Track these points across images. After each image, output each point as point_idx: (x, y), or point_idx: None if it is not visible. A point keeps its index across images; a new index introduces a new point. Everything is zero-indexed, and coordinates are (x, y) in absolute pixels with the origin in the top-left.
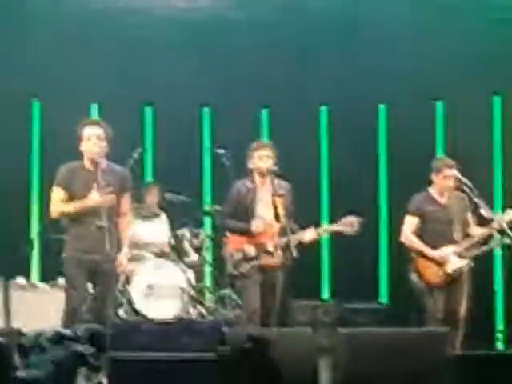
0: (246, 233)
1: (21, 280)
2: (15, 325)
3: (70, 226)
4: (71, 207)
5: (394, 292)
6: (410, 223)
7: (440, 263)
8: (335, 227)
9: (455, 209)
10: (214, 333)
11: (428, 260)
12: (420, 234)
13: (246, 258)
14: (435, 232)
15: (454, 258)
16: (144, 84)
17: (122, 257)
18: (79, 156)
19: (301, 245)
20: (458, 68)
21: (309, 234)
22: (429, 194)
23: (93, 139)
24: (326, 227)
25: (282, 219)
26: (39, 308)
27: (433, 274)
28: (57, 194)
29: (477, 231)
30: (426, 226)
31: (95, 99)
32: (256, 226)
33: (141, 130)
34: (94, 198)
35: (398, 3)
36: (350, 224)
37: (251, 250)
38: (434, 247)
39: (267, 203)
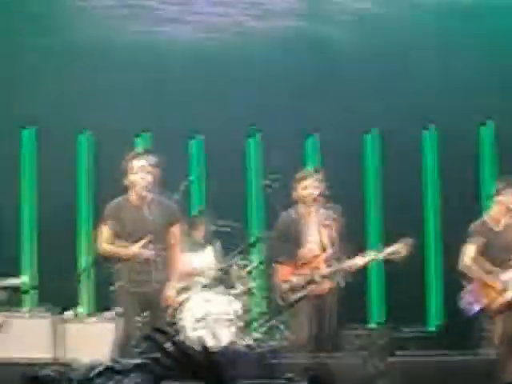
0: (294, 263)
1: (70, 313)
2: (66, 357)
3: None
4: (114, 251)
5: (444, 317)
6: (471, 248)
7: (500, 290)
8: (385, 253)
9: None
10: (261, 364)
11: (487, 287)
12: (478, 261)
13: (294, 289)
14: (493, 259)
15: None
16: (190, 113)
17: (170, 290)
18: (126, 188)
19: (350, 271)
20: None
21: (356, 263)
22: (485, 222)
23: (140, 172)
24: (374, 255)
25: (329, 248)
26: (88, 341)
27: (492, 300)
28: (104, 232)
29: None
30: (486, 251)
31: (143, 129)
32: (303, 256)
33: (188, 161)
34: (135, 249)
35: None
36: (399, 250)
37: (299, 280)
38: (492, 275)
39: (314, 232)
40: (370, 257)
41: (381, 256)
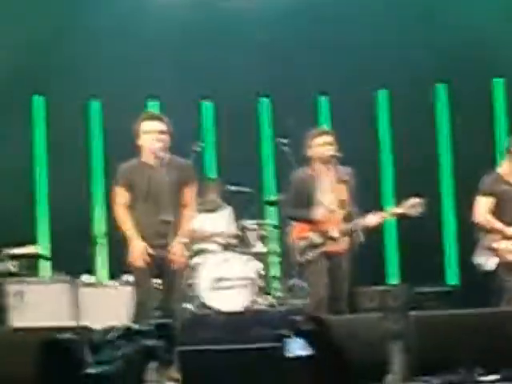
0: (310, 221)
1: (87, 277)
2: (84, 322)
3: (135, 221)
4: (125, 225)
5: (462, 273)
6: (484, 203)
7: None
8: (399, 210)
9: None
10: (284, 323)
11: (505, 238)
12: (493, 213)
13: (312, 246)
14: (505, 213)
15: None
16: (201, 78)
17: (177, 246)
18: (138, 151)
19: (366, 230)
20: None
21: (373, 219)
22: (498, 175)
23: (153, 133)
24: (390, 210)
25: (346, 205)
26: (107, 305)
27: (509, 251)
28: (120, 195)
29: None
30: (498, 206)
31: (154, 95)
32: (320, 213)
33: (200, 124)
34: (137, 245)
35: None
36: (413, 206)
37: (316, 238)
38: (508, 226)
39: (329, 190)
40: (386, 214)
41: (396, 212)
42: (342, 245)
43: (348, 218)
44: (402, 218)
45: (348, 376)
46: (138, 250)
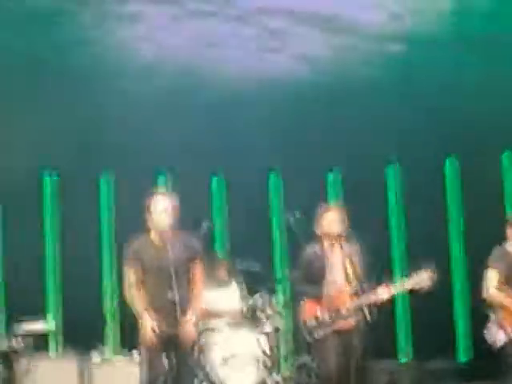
0: (320, 298)
1: (96, 356)
2: None
3: (146, 299)
4: (136, 304)
5: (474, 348)
6: (492, 278)
7: None
8: (407, 284)
9: None
10: None
11: None
12: (502, 288)
13: (320, 324)
14: None
15: None
16: (210, 153)
17: (187, 323)
18: (147, 228)
19: (375, 305)
20: None
21: (382, 294)
22: (505, 248)
23: (162, 212)
24: (399, 284)
25: (354, 282)
26: (117, 382)
27: None
28: (130, 273)
29: None
30: (509, 279)
31: (163, 170)
32: (330, 290)
33: (209, 200)
34: (149, 326)
35: None
36: (421, 280)
37: (325, 316)
38: None
39: (338, 267)
40: (395, 288)
41: (405, 287)
42: (352, 322)
43: (356, 295)
44: (413, 293)
45: None
46: (150, 330)
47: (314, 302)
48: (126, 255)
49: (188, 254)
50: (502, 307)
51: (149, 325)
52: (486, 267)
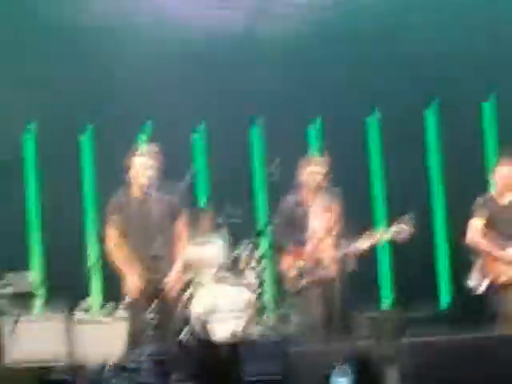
0: (300, 247)
1: (81, 314)
2: (79, 359)
3: (129, 254)
4: (119, 260)
5: (455, 298)
6: (476, 225)
7: (509, 263)
8: (386, 235)
9: None
10: (277, 351)
11: (497, 261)
12: (485, 235)
13: (303, 273)
14: (499, 233)
15: None
16: (196, 103)
17: (172, 277)
18: (129, 184)
19: (356, 255)
20: None
21: (362, 244)
22: (491, 196)
23: (143, 168)
24: (378, 235)
25: (334, 232)
26: (101, 340)
27: (502, 274)
28: (111, 229)
29: None
30: (490, 228)
31: (149, 117)
32: (311, 239)
33: (192, 151)
34: (131, 279)
35: None
36: (401, 230)
37: (306, 266)
38: (500, 248)
39: (318, 217)
40: (376, 237)
41: (385, 236)
42: (333, 271)
43: (336, 245)
44: (394, 241)
45: None
46: (133, 284)
47: (296, 252)
48: (107, 210)
49: (171, 210)
50: (485, 254)
51: (130, 280)
52: (471, 215)
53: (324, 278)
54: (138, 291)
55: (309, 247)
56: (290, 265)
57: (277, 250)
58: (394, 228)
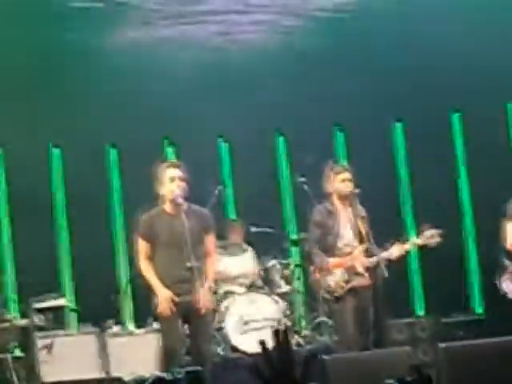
0: (333, 256)
1: (115, 328)
2: (115, 373)
3: (159, 269)
4: (148, 277)
5: (488, 302)
6: (510, 228)
7: None
8: (418, 241)
9: None
10: (313, 361)
11: None
12: None
13: (338, 282)
14: None
15: None
16: (217, 119)
17: (205, 292)
18: (158, 200)
19: (388, 262)
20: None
21: (395, 251)
22: None
23: (175, 181)
24: (410, 242)
25: (366, 240)
26: (136, 354)
27: None
28: (141, 245)
29: None
30: None
31: (170, 139)
32: (344, 248)
33: (218, 167)
34: (162, 296)
35: None
36: (431, 236)
37: (342, 274)
38: None
39: (350, 225)
40: (406, 245)
41: (416, 243)
42: (367, 279)
43: (368, 253)
44: (422, 249)
45: None
46: (164, 300)
47: (331, 260)
48: (138, 227)
49: (202, 226)
50: None
51: (163, 294)
52: (504, 220)
53: (358, 286)
54: (169, 305)
55: (342, 255)
56: (324, 274)
57: (310, 259)
58: (424, 234)
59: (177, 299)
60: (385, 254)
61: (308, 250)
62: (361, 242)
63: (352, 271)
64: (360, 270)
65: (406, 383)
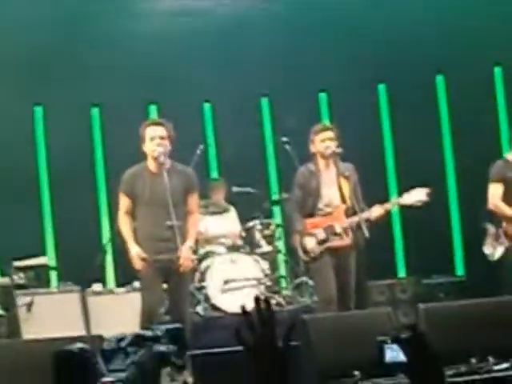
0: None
1: (97, 287)
2: (96, 331)
3: (141, 227)
4: (123, 232)
5: (469, 263)
6: (495, 190)
7: None
8: (402, 201)
9: None
10: (294, 321)
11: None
12: (504, 199)
13: (317, 242)
14: None
15: None
16: (200, 80)
17: (186, 251)
18: (142, 158)
19: (370, 223)
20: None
21: (375, 211)
22: (508, 160)
23: (156, 139)
24: (394, 201)
25: (348, 200)
26: (117, 312)
27: None
28: (122, 201)
29: None
30: (508, 192)
31: (153, 100)
32: (326, 207)
33: (202, 127)
34: (135, 251)
35: None
36: (416, 196)
37: (320, 234)
38: None
39: (332, 185)
40: (390, 204)
41: (401, 202)
42: (348, 240)
43: (351, 213)
44: (407, 208)
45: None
46: (135, 255)
47: (310, 221)
48: (120, 182)
49: (184, 185)
50: (503, 218)
51: (133, 250)
52: (489, 181)
53: (337, 246)
54: (140, 261)
55: (324, 215)
56: (306, 234)
57: (291, 221)
58: (409, 195)
59: (144, 255)
60: (365, 215)
61: (288, 212)
62: (343, 202)
63: (330, 231)
64: (338, 230)
65: (401, 340)
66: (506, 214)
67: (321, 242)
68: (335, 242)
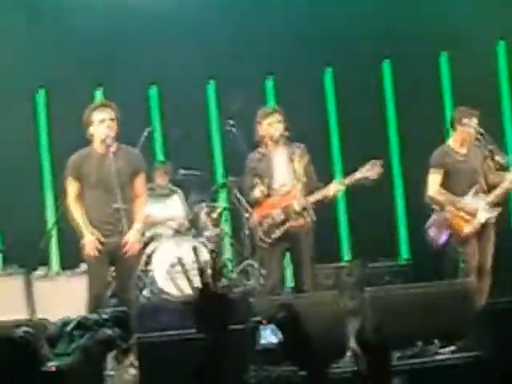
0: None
1: (42, 270)
2: (40, 315)
3: (88, 211)
4: (76, 218)
5: (414, 247)
6: (435, 178)
7: (472, 213)
8: (358, 175)
9: (476, 158)
10: (240, 304)
11: (459, 211)
12: (445, 186)
13: (276, 224)
14: (460, 183)
15: (485, 207)
16: (147, 63)
17: (133, 234)
18: (88, 141)
19: (327, 199)
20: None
21: (333, 188)
22: (449, 147)
23: (106, 121)
24: (350, 177)
25: (302, 179)
26: (63, 296)
27: (465, 224)
28: (71, 186)
29: (503, 177)
30: (449, 178)
31: (100, 83)
32: (279, 189)
33: (147, 110)
34: (88, 238)
35: None
36: (371, 169)
37: (280, 215)
38: (459, 200)
39: (284, 166)
40: (339, 183)
41: (356, 177)
42: (302, 221)
43: (307, 193)
44: (359, 182)
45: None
46: (90, 242)
47: (266, 204)
48: (66, 167)
49: (131, 167)
50: (445, 204)
51: (88, 236)
52: (429, 168)
53: (296, 225)
54: (93, 248)
55: (278, 197)
56: (261, 215)
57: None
58: (361, 171)
59: (103, 240)
60: (323, 192)
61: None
62: (296, 182)
63: (289, 211)
64: (297, 208)
65: (274, 320)
66: (440, 203)
67: (281, 224)
68: (295, 222)
